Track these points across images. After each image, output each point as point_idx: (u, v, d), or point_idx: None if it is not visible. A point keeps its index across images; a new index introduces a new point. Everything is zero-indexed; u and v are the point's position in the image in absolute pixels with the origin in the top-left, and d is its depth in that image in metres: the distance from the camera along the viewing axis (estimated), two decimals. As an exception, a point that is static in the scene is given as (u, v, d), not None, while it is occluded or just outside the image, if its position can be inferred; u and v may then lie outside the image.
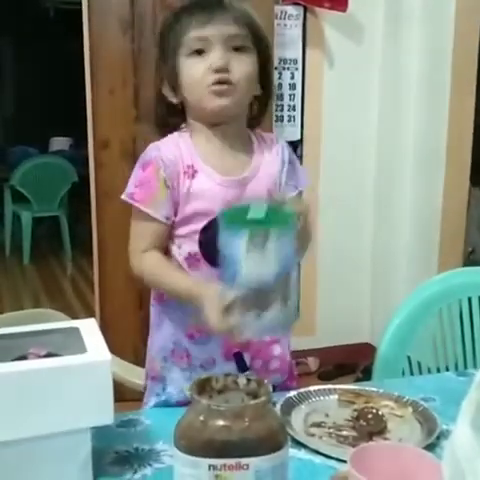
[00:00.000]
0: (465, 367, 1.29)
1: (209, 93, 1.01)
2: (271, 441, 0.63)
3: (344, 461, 0.78)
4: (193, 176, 1.03)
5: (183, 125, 1.09)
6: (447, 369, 1.29)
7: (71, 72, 4.16)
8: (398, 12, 2.62)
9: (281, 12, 2.57)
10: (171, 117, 1.09)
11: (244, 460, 0.61)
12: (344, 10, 2.56)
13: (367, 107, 2.77)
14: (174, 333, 1.07)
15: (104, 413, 0.76)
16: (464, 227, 2.72)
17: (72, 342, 0.82)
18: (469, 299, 1.33)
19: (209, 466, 0.61)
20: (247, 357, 1.08)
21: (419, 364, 1.27)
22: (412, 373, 1.26)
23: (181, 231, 1.05)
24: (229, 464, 0.61)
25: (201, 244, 1.04)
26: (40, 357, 0.79)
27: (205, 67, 1.00)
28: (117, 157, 2.34)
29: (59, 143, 6.12)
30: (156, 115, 1.11)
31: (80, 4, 2.30)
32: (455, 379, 1.11)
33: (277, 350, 1.12)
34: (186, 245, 1.05)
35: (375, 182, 2.83)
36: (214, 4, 1.03)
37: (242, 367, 1.07)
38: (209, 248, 1.02)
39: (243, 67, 1.02)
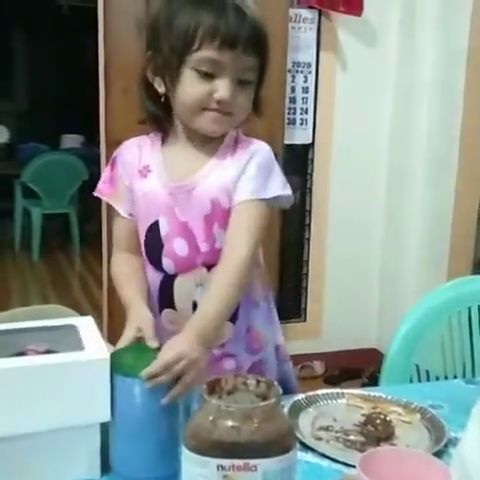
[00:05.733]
0: (473, 375, 1.29)
1: (204, 116, 0.98)
2: (280, 443, 0.63)
3: (351, 465, 0.78)
4: (146, 176, 1.05)
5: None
6: (455, 378, 1.29)
7: (84, 69, 4.18)
8: (413, 17, 2.61)
9: (296, 15, 2.57)
10: (153, 106, 1.03)
11: (252, 461, 0.61)
12: (359, 14, 2.56)
13: (379, 112, 2.76)
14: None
15: (101, 411, 0.76)
16: (474, 235, 2.71)
17: (70, 339, 0.82)
18: (479, 307, 1.32)
19: (218, 466, 0.61)
20: None
21: (427, 372, 1.27)
22: (420, 381, 1.25)
23: (139, 231, 1.08)
24: (238, 465, 0.61)
25: (146, 245, 1.07)
26: (39, 353, 0.79)
27: (208, 91, 0.96)
28: (129, 156, 2.35)
29: (71, 140, 6.14)
30: (141, 101, 1.05)
31: (95, 2, 2.31)
32: (464, 387, 1.11)
33: (230, 364, 1.07)
34: (142, 246, 1.08)
35: (386, 187, 2.83)
36: (241, 27, 0.93)
37: None
38: (151, 249, 1.06)
39: (244, 102, 0.99)
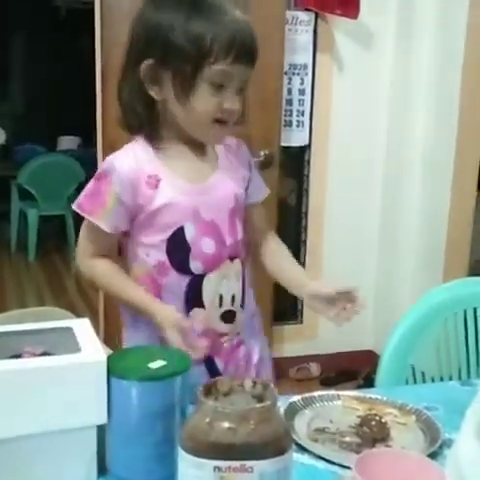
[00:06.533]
0: (469, 377, 1.29)
1: (213, 129, 1.03)
2: (276, 445, 0.63)
3: (347, 467, 0.78)
4: (156, 186, 1.04)
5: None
6: (450, 379, 1.29)
7: (81, 71, 4.17)
8: (409, 19, 2.62)
9: (292, 17, 2.58)
10: (145, 111, 1.05)
11: (249, 463, 0.61)
12: (355, 17, 2.57)
13: (376, 114, 2.77)
14: (150, 336, 1.06)
15: (98, 413, 0.76)
16: (470, 237, 2.72)
17: (66, 341, 0.82)
18: (474, 309, 1.33)
19: (214, 468, 0.61)
20: (219, 362, 1.08)
21: (423, 374, 1.27)
22: (415, 382, 1.26)
23: (149, 240, 1.07)
24: (234, 466, 0.61)
25: (168, 252, 1.07)
26: (35, 356, 0.79)
27: (218, 102, 1.01)
28: (125, 158, 2.35)
29: (67, 142, 6.13)
30: (132, 109, 1.06)
31: (92, 4, 2.31)
32: (459, 388, 1.11)
33: (242, 351, 1.13)
34: (155, 253, 1.07)
35: (382, 189, 2.84)
36: (252, 42, 1.00)
37: (213, 372, 1.07)
38: (176, 255, 1.07)
39: (240, 109, 1.05)
